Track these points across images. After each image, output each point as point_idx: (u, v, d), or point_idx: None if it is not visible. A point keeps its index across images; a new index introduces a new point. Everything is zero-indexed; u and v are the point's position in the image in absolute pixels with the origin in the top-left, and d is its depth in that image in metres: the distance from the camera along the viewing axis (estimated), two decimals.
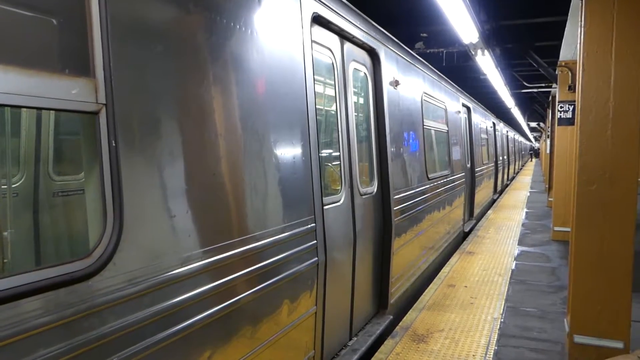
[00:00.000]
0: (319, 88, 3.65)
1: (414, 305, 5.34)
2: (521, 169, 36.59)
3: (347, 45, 4.06)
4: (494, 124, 15.90)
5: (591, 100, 3.77)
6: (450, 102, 8.41)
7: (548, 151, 14.57)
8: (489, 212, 12.74)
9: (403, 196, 5.07)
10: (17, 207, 2.82)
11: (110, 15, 1.75)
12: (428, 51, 9.89)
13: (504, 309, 5.24)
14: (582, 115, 3.82)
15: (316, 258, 3.18)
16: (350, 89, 4.05)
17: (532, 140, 66.68)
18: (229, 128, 2.39)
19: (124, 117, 1.79)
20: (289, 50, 2.96)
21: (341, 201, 3.81)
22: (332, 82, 3.82)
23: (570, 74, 8.37)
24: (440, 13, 5.94)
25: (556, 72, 8.93)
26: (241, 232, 2.43)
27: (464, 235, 9.49)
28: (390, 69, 4.87)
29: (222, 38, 2.34)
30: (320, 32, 3.58)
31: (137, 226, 1.82)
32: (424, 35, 9.62)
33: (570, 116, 8.32)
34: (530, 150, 60.87)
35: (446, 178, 7.43)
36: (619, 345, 3.79)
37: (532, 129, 44.52)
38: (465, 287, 6.02)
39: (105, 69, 1.72)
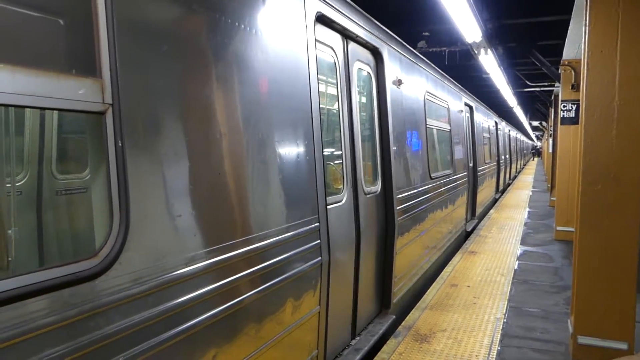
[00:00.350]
0: (323, 87, 3.65)
1: (417, 305, 5.33)
2: (523, 168, 36.56)
3: (351, 45, 4.05)
4: (496, 122, 15.89)
5: (596, 100, 3.76)
6: (453, 101, 8.40)
7: (550, 150, 14.52)
8: (491, 211, 12.72)
9: (406, 195, 5.06)
10: (22, 206, 2.82)
11: (117, 16, 1.75)
12: (430, 50, 9.88)
13: (506, 309, 5.23)
14: (587, 114, 3.80)
15: (320, 258, 3.18)
16: (354, 89, 4.04)
17: (534, 139, 66.58)
18: (233, 128, 2.39)
19: (130, 117, 1.80)
20: (293, 50, 2.96)
21: (345, 200, 3.81)
22: (336, 82, 3.81)
23: (573, 73, 8.32)
24: (443, 12, 5.91)
25: (559, 71, 8.89)
26: (245, 231, 2.43)
27: (466, 235, 9.48)
28: (393, 68, 4.86)
29: (227, 38, 2.34)
30: (324, 32, 3.58)
31: (143, 226, 1.82)
32: (427, 34, 9.60)
33: (574, 115, 8.28)
34: (532, 150, 60.81)
35: (448, 177, 7.42)
36: (623, 346, 3.78)
37: (534, 128, 44.42)
38: (468, 286, 6.02)
39: (111, 69, 1.73)
